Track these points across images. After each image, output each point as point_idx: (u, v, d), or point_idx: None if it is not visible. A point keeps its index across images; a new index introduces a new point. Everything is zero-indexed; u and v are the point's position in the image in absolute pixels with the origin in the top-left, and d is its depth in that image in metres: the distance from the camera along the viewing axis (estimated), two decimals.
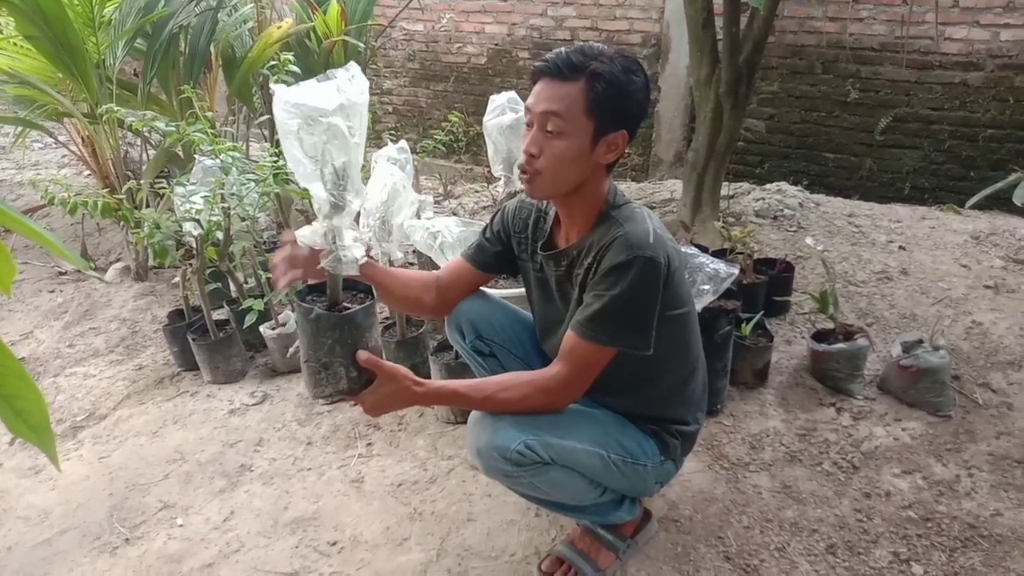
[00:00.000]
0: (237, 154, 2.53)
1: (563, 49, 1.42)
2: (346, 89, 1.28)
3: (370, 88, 1.35)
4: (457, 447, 2.25)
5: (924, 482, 2.01)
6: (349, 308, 1.48)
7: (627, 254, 1.40)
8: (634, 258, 1.39)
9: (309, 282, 1.55)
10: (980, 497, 1.95)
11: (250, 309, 2.62)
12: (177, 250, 2.79)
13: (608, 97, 1.39)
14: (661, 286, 1.43)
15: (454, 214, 4.01)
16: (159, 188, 2.98)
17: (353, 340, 1.44)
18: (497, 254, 1.73)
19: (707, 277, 2.12)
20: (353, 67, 1.32)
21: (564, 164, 1.44)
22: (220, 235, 2.64)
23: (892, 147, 4.72)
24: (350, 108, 1.29)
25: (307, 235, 1.39)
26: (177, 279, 2.98)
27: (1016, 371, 2.44)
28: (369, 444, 2.33)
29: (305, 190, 2.63)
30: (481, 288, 1.83)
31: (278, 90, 1.27)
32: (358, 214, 1.45)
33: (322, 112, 1.26)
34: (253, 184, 2.50)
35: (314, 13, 3.57)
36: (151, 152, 3.91)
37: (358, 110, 1.30)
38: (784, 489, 2.01)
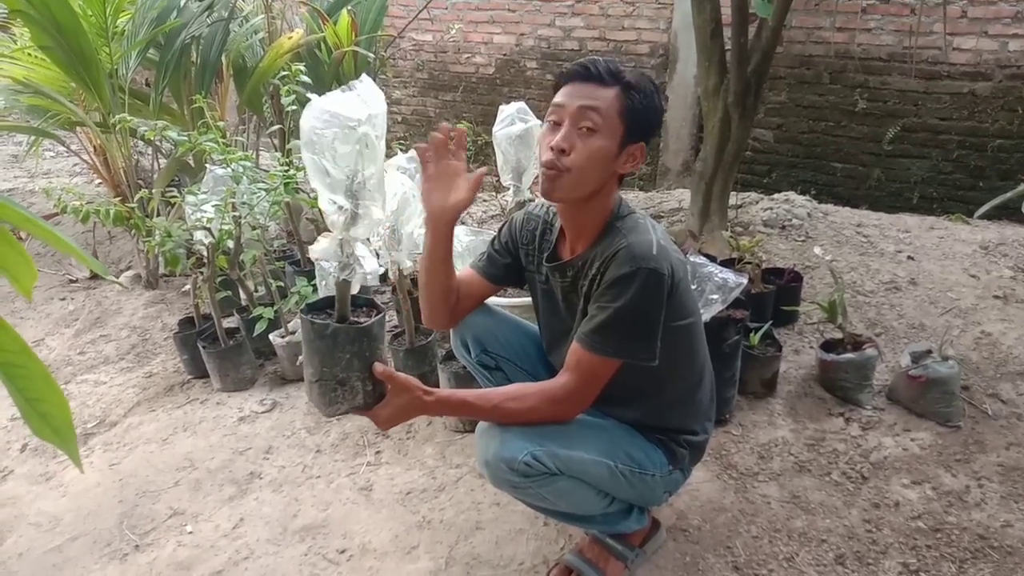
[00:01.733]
0: (248, 163, 2.55)
1: (595, 58, 1.46)
2: (368, 99, 1.29)
3: None
4: (465, 456, 2.26)
5: (933, 493, 2.01)
6: (363, 321, 1.46)
7: (630, 266, 1.41)
8: (637, 270, 1.40)
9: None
10: (990, 508, 1.95)
11: (260, 317, 2.64)
12: (188, 258, 2.81)
13: (639, 107, 1.43)
14: (665, 297, 1.43)
15: (463, 223, 4.03)
16: (170, 197, 3.01)
17: (371, 353, 1.43)
18: (506, 266, 1.74)
19: (715, 287, 2.12)
20: (365, 79, 1.33)
21: (593, 163, 1.44)
22: (231, 243, 2.66)
23: (900, 157, 4.71)
24: (376, 118, 1.30)
25: (322, 249, 1.38)
26: (187, 287, 2.99)
27: None
28: (378, 452, 2.33)
29: (316, 198, 2.66)
30: (486, 302, 1.84)
31: (314, 99, 1.28)
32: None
33: (355, 121, 1.27)
34: (264, 193, 2.52)
35: (325, 24, 3.60)
36: (162, 161, 3.94)
37: (381, 120, 1.32)
38: (793, 499, 2.01)
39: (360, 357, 1.41)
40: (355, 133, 1.28)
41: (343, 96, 1.29)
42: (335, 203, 1.33)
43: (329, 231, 1.40)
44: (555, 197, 1.49)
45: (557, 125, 1.45)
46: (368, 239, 1.42)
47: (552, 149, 1.43)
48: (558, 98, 1.46)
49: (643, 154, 1.50)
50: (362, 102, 1.29)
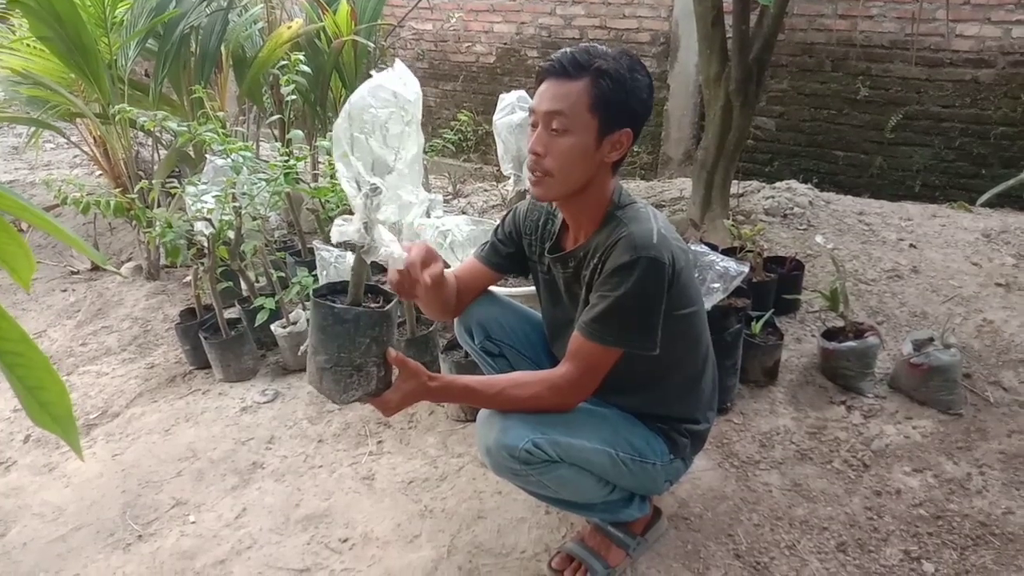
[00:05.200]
0: (248, 154, 2.55)
1: (567, 49, 1.44)
2: (406, 82, 1.27)
3: None
4: (467, 445, 2.26)
5: (935, 480, 2.01)
6: (383, 305, 1.43)
7: (631, 255, 1.40)
8: (638, 259, 1.40)
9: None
10: (991, 495, 1.95)
11: (261, 307, 2.64)
12: (189, 249, 2.81)
13: (612, 94, 1.40)
14: (666, 286, 1.43)
15: (463, 213, 4.02)
16: (171, 188, 3.00)
17: (388, 337, 1.41)
18: (510, 255, 1.74)
19: (717, 275, 2.12)
20: (399, 64, 1.32)
21: (570, 161, 1.44)
22: (231, 234, 2.66)
23: (902, 145, 4.70)
24: (417, 99, 1.29)
25: (344, 231, 1.35)
26: (189, 278, 3.00)
27: None
28: (380, 442, 2.34)
29: (316, 188, 2.65)
30: (490, 288, 1.84)
31: (375, 75, 1.26)
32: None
33: (409, 102, 1.26)
34: (264, 183, 2.52)
35: (324, 13, 3.59)
36: (163, 152, 3.93)
37: (420, 102, 1.31)
38: (794, 487, 2.01)
39: (379, 342, 1.39)
40: (408, 113, 1.26)
41: (389, 76, 1.27)
42: (367, 184, 1.28)
43: (331, 218, 1.38)
44: (545, 198, 1.53)
45: (535, 128, 1.46)
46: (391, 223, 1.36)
47: (531, 153, 1.46)
48: (534, 99, 1.47)
49: (630, 140, 1.47)
50: (403, 83, 1.26)
